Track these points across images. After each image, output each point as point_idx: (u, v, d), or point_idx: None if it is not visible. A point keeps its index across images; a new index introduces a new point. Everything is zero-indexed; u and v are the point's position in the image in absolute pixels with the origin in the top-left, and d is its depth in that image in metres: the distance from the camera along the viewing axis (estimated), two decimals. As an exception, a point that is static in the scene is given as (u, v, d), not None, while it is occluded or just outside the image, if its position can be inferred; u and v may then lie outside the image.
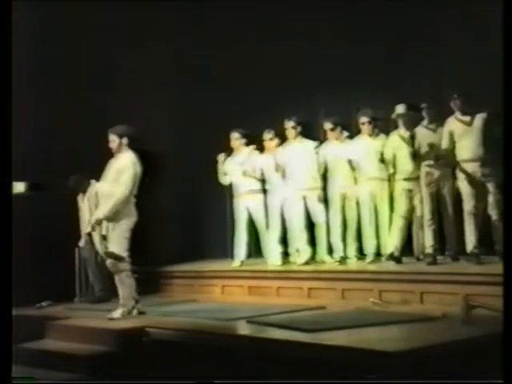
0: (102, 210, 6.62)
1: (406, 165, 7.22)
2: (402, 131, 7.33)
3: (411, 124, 7.25)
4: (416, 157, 7.03)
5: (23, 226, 7.01)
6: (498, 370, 3.92)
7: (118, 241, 6.59)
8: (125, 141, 6.74)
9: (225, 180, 8.55)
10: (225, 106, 9.30)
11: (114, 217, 6.57)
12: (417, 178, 7.16)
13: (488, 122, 6.49)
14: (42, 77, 8.43)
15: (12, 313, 4.91)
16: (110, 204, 6.55)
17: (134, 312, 6.69)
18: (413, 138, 7.06)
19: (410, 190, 7.23)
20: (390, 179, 7.46)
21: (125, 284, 6.63)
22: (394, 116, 7.37)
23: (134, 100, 8.91)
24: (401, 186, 7.29)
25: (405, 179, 7.25)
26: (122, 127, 6.83)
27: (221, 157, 8.46)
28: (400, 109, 7.32)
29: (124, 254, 6.59)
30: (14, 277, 4.88)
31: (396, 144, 7.34)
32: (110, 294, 8.01)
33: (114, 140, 6.75)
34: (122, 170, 6.62)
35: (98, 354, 5.90)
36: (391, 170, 7.40)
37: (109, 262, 6.63)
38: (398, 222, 7.25)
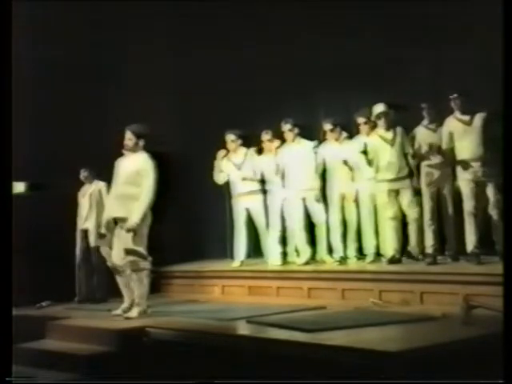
0: (134, 217, 6.44)
1: (389, 165, 7.20)
2: (382, 131, 7.33)
3: (391, 123, 7.26)
4: (415, 157, 7.06)
5: (23, 226, 7.01)
6: (498, 369, 3.92)
7: (138, 240, 6.55)
8: (141, 142, 6.67)
9: (219, 177, 8.47)
10: (225, 107, 9.29)
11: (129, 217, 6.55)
12: (403, 178, 7.17)
13: (488, 122, 6.48)
14: (42, 77, 8.43)
15: (12, 313, 4.91)
16: (138, 212, 6.46)
17: (149, 311, 6.68)
18: (395, 137, 7.16)
19: (396, 191, 7.23)
20: (372, 180, 7.39)
21: (143, 283, 6.60)
22: (373, 116, 7.36)
23: (135, 100, 8.91)
24: (386, 187, 7.26)
25: (390, 180, 7.23)
26: (141, 127, 6.74)
27: (220, 153, 8.44)
28: (380, 108, 7.32)
29: (144, 252, 6.60)
30: (14, 277, 4.88)
31: (377, 144, 7.31)
32: (106, 293, 8.04)
33: (130, 138, 6.66)
34: (142, 174, 6.55)
35: (97, 354, 5.89)
36: (374, 171, 7.36)
37: (129, 259, 6.58)
38: (391, 224, 7.25)
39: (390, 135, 7.26)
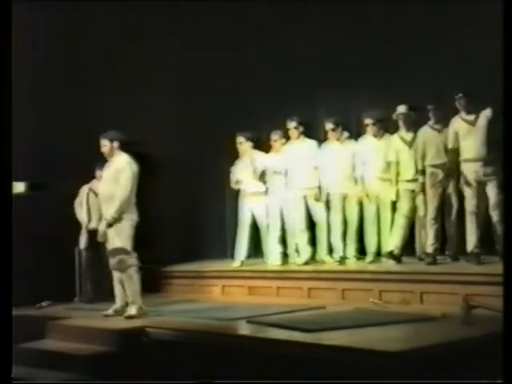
0: (109, 212, 6.66)
1: (408, 166, 7.23)
2: (403, 132, 7.34)
3: (411, 125, 7.27)
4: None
5: (23, 226, 7.01)
6: (498, 369, 3.92)
7: (123, 238, 6.67)
8: (116, 144, 6.91)
9: (236, 186, 8.58)
10: (225, 107, 9.29)
11: (117, 218, 6.66)
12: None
13: (492, 122, 6.48)
14: (42, 77, 8.42)
15: (12, 313, 4.91)
16: (114, 206, 6.64)
17: (145, 308, 6.72)
18: (414, 138, 7.18)
19: (412, 191, 7.24)
20: (394, 180, 7.41)
21: (133, 280, 6.70)
22: (394, 116, 7.39)
23: (135, 100, 8.91)
24: (403, 187, 7.29)
25: (408, 180, 7.25)
26: (112, 132, 7.00)
27: (233, 167, 8.55)
28: (401, 109, 7.34)
29: (129, 249, 6.69)
30: (14, 277, 4.88)
31: (398, 146, 7.34)
32: (102, 294, 8.03)
33: (105, 145, 6.94)
34: (119, 172, 6.76)
35: (97, 354, 5.90)
36: (395, 172, 7.37)
37: (116, 259, 6.69)
38: (400, 221, 7.26)
39: (409, 136, 7.27)
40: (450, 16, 7.08)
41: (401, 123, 7.36)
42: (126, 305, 6.82)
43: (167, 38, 9.50)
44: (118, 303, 6.90)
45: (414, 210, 7.26)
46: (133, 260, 6.72)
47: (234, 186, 8.61)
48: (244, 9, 8.75)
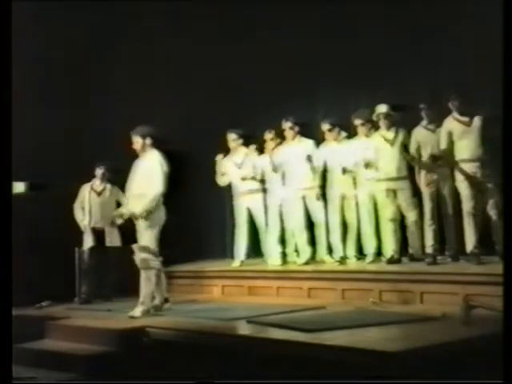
0: (138, 209, 6.57)
1: (389, 165, 7.24)
2: (384, 131, 7.36)
3: (391, 124, 7.32)
4: (414, 161, 7.11)
5: (23, 226, 7.01)
6: (498, 369, 3.92)
7: (149, 239, 6.64)
8: (148, 141, 6.82)
9: (222, 181, 8.56)
10: (225, 106, 9.29)
11: (146, 215, 6.61)
12: (402, 178, 7.20)
13: (487, 123, 6.49)
14: (42, 77, 8.43)
15: (12, 313, 4.91)
16: (144, 203, 6.56)
17: (152, 311, 6.70)
18: (396, 137, 7.24)
19: (393, 191, 7.25)
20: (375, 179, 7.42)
21: (151, 282, 6.67)
22: (375, 116, 7.41)
23: (135, 100, 8.91)
24: (384, 186, 7.29)
25: (388, 179, 7.25)
26: (144, 128, 6.91)
27: (219, 157, 8.49)
28: (380, 108, 7.36)
29: (156, 250, 6.66)
30: (14, 277, 4.88)
31: (379, 145, 7.34)
32: (104, 294, 8.05)
33: (137, 141, 6.85)
34: (150, 170, 6.68)
35: (98, 354, 5.90)
36: (375, 171, 7.38)
37: (139, 257, 6.65)
38: (390, 225, 7.28)
39: (390, 135, 7.31)
40: (449, 15, 7.07)
41: (381, 122, 7.39)
42: (165, 301, 6.85)
43: (168, 36, 9.49)
44: (157, 299, 6.85)
45: (398, 210, 7.28)
46: (157, 263, 6.69)
47: (219, 179, 8.52)
48: (244, 7, 8.75)
